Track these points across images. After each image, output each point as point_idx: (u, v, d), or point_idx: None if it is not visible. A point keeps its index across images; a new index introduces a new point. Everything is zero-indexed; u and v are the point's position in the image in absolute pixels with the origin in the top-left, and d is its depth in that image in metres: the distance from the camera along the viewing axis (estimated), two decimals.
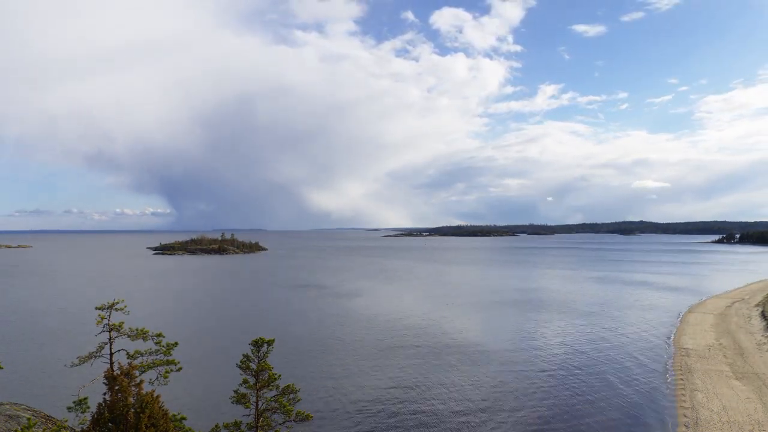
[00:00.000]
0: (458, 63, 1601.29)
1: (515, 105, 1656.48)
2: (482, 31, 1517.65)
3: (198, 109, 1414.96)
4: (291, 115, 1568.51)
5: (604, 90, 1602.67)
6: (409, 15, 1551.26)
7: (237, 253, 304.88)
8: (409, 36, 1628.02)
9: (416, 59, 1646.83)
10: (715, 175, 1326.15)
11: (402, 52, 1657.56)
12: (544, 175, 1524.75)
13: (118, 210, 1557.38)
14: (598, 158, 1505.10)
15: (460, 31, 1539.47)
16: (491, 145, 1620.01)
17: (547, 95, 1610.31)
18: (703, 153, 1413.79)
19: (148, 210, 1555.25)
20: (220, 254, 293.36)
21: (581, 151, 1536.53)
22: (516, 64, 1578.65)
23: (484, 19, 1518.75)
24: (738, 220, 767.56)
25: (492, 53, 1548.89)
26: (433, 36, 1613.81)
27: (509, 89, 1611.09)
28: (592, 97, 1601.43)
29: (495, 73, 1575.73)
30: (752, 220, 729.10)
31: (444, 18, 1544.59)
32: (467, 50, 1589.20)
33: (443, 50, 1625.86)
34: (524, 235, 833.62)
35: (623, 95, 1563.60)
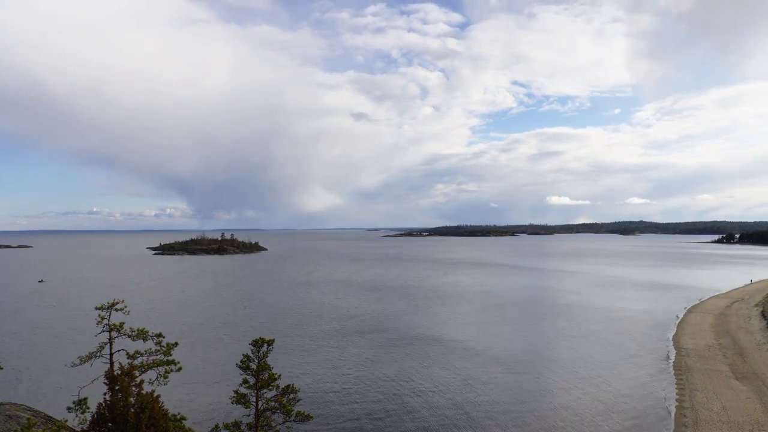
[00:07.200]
0: (439, 74, 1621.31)
1: (496, 111, 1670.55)
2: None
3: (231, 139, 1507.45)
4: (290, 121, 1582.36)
5: (571, 99, 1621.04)
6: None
7: (237, 253, 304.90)
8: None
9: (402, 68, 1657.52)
10: (693, 175, 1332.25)
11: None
12: (519, 178, 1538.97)
13: (135, 211, 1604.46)
14: (575, 161, 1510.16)
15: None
16: (474, 149, 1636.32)
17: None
18: (680, 153, 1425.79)
19: (166, 210, 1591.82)
20: (220, 254, 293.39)
21: (556, 154, 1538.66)
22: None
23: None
24: (738, 220, 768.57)
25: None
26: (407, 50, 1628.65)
27: (489, 96, 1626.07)
28: (561, 106, 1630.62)
29: (474, 83, 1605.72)
30: (752, 220, 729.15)
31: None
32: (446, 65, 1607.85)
33: (423, 61, 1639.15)
34: (524, 235, 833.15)
35: (588, 105, 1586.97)
